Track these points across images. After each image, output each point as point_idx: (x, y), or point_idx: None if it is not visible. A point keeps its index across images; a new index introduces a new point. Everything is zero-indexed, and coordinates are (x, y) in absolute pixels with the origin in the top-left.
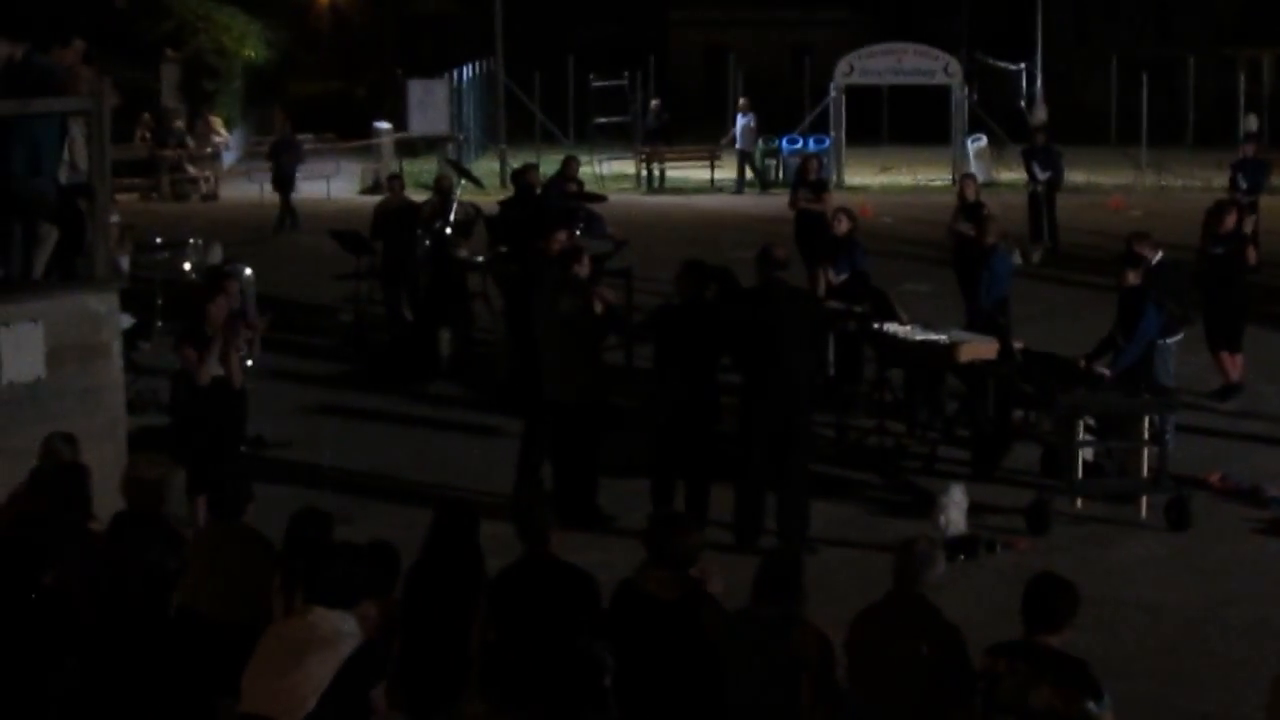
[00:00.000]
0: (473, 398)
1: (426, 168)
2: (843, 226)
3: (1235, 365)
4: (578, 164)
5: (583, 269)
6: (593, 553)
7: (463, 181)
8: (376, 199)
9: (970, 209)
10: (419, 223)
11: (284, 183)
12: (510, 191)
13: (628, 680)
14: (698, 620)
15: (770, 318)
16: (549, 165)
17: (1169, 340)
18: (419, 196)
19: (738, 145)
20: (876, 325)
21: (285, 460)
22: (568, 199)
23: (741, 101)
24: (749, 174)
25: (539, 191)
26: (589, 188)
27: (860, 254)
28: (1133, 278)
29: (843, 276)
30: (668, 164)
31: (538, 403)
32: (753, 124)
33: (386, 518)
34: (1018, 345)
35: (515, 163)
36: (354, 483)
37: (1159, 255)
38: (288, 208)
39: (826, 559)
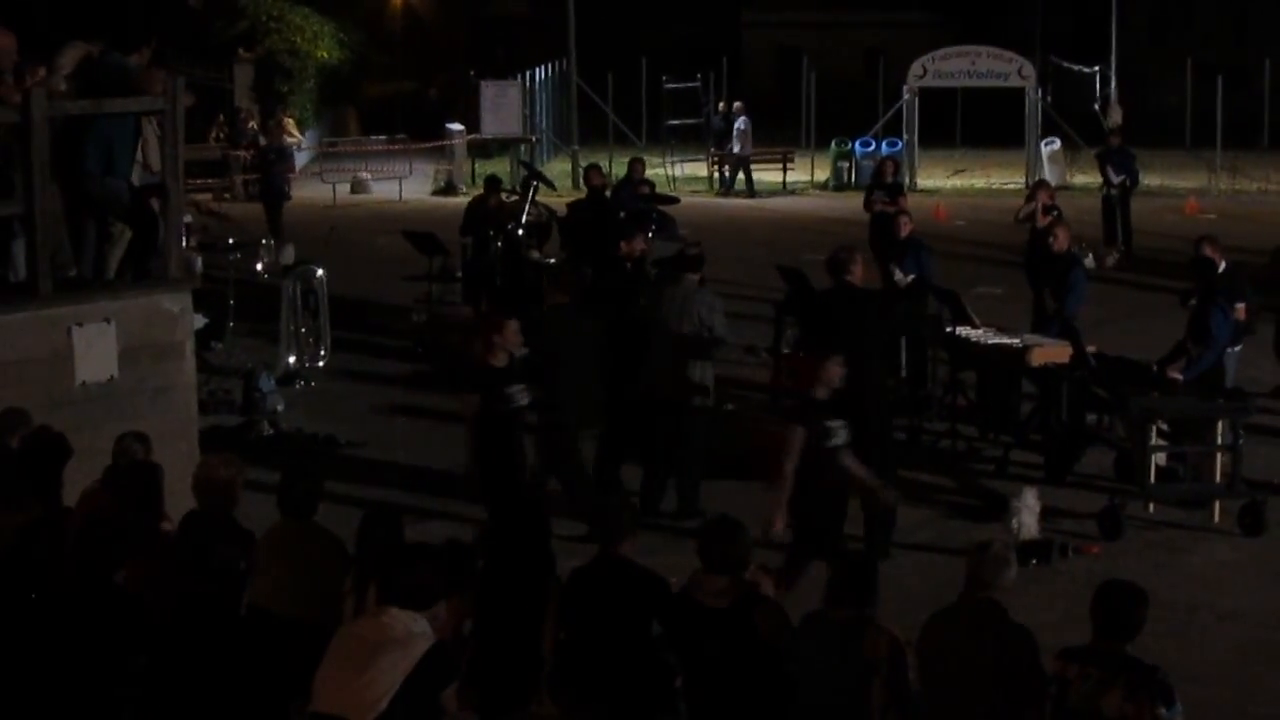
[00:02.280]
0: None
1: (499, 169)
2: (904, 230)
3: None
4: (644, 165)
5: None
6: (666, 555)
7: (535, 183)
8: (446, 200)
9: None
10: (493, 224)
11: (274, 195)
12: (582, 193)
13: (693, 686)
14: (753, 625)
15: (840, 322)
16: (621, 167)
17: (1232, 349)
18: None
19: (735, 149)
20: (949, 328)
21: (357, 460)
22: (640, 201)
23: (736, 105)
24: (740, 178)
25: (608, 193)
26: (661, 190)
27: (926, 255)
28: (1198, 292)
29: (910, 277)
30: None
31: (618, 404)
32: (743, 126)
33: (459, 518)
34: (1091, 349)
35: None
36: (426, 483)
37: (1223, 264)
38: (276, 223)
39: (899, 562)
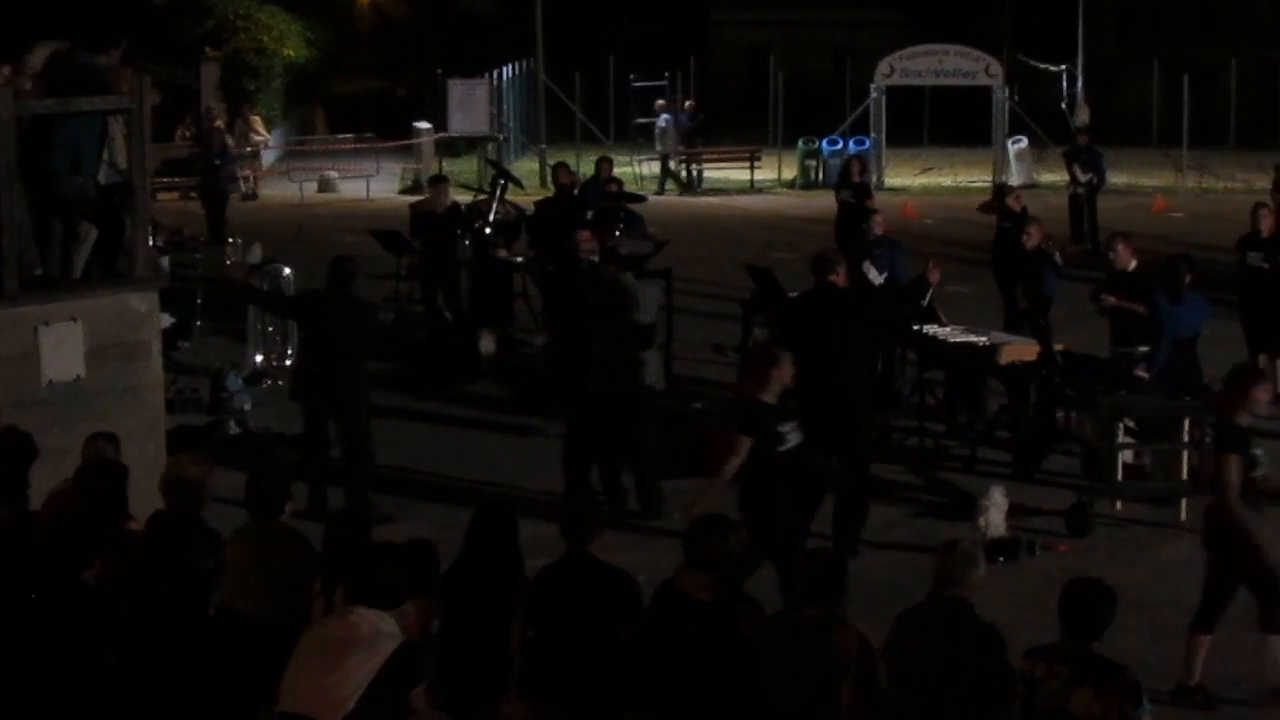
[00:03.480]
0: (513, 398)
1: (466, 167)
2: (878, 228)
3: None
4: (611, 164)
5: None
6: (634, 553)
7: (503, 181)
8: (413, 199)
9: (1015, 216)
10: (460, 223)
11: (214, 198)
12: (550, 191)
13: (667, 681)
14: (734, 621)
15: (821, 323)
16: (589, 165)
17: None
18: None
19: (657, 147)
20: (917, 327)
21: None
22: (608, 199)
23: (659, 102)
24: (671, 176)
25: (576, 192)
26: (628, 188)
27: (899, 255)
28: (1114, 298)
29: (884, 276)
30: (706, 164)
31: (581, 401)
32: (663, 124)
33: (426, 518)
34: (1059, 347)
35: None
36: (394, 483)
37: (1134, 263)
38: (220, 223)
39: (868, 560)
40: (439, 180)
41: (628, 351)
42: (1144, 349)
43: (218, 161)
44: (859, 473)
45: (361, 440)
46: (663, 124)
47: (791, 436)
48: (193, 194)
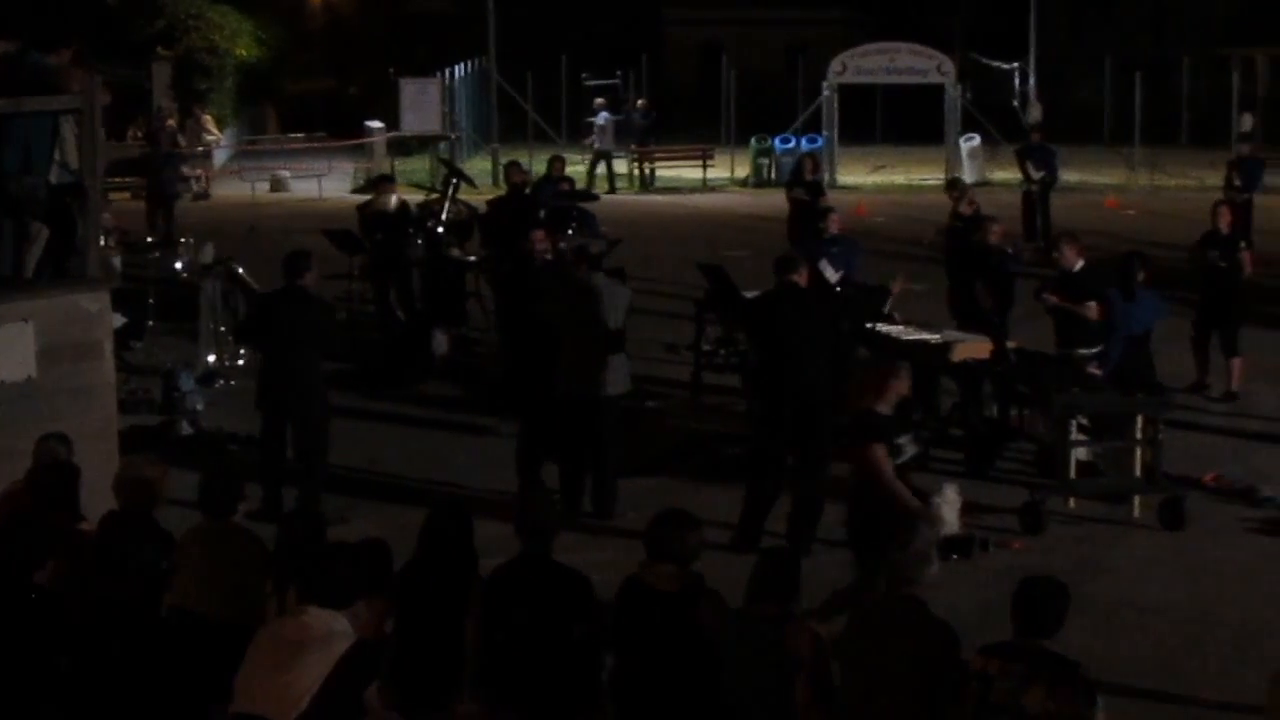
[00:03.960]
0: (466, 398)
1: (418, 167)
2: (834, 227)
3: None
4: (564, 163)
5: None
6: (592, 552)
7: (455, 180)
8: (365, 198)
9: (966, 219)
10: (411, 223)
11: (163, 200)
12: (502, 190)
13: (629, 675)
14: (697, 612)
15: (784, 323)
16: (541, 164)
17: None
18: (409, 196)
19: (596, 145)
20: (870, 325)
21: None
22: (561, 198)
23: (598, 100)
24: (603, 173)
25: (528, 191)
26: (581, 187)
27: (854, 253)
28: (1055, 298)
29: (839, 274)
30: (659, 163)
31: (535, 402)
32: (602, 122)
33: (380, 518)
34: (1011, 345)
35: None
36: (347, 482)
37: (1080, 263)
38: (167, 225)
39: (821, 559)
40: (384, 180)
41: (597, 353)
42: (1087, 351)
43: (160, 163)
44: (817, 473)
45: (317, 438)
46: (601, 122)
47: (908, 449)
48: (145, 192)
